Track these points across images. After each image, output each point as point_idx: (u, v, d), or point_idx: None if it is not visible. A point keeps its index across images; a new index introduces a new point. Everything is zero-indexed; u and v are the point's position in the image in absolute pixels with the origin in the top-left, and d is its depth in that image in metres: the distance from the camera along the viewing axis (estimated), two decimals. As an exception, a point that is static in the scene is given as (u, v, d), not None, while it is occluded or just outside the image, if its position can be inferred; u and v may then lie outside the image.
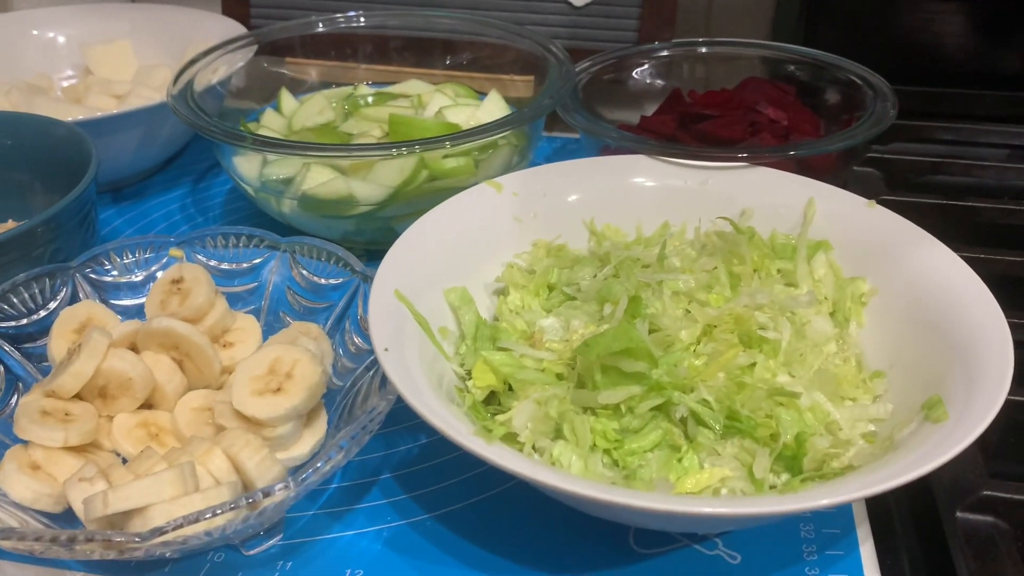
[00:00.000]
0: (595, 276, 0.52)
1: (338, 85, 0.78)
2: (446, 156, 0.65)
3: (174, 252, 0.54)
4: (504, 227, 0.54)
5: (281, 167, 0.63)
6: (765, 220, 0.55)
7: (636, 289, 0.48)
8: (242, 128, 0.68)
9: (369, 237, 0.64)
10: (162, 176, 0.77)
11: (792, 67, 0.73)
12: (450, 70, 0.80)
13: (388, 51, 0.79)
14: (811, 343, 0.47)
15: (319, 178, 0.60)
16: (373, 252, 0.65)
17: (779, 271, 0.51)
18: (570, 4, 0.77)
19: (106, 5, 0.87)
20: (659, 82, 0.76)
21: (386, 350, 0.42)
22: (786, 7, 0.93)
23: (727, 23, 0.99)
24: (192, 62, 0.68)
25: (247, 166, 0.63)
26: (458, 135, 0.58)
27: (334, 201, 0.61)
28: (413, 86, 0.77)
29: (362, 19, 0.77)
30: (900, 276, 0.49)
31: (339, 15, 0.76)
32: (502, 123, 0.59)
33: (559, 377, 0.46)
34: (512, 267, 0.53)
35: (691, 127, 0.67)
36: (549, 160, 0.66)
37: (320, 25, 0.77)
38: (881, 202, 0.52)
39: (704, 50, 0.75)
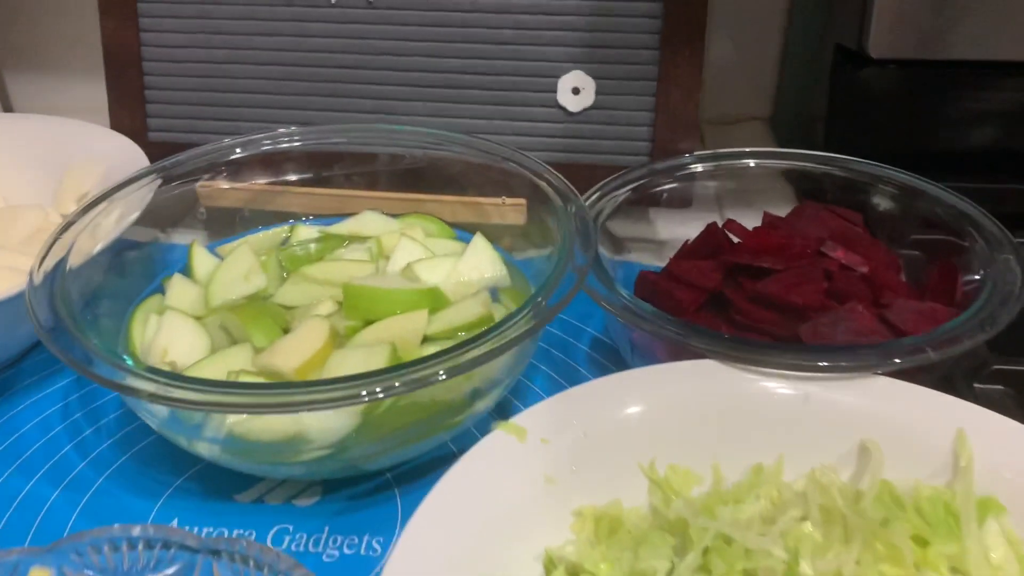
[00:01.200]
0: (672, 572, 0.35)
1: (266, 226, 0.60)
2: (425, 341, 0.49)
3: (37, 574, 0.36)
4: (534, 497, 0.37)
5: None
6: (895, 457, 0.39)
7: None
8: (130, 350, 0.49)
9: (327, 476, 0.46)
10: (37, 359, 0.57)
11: (851, 186, 0.58)
12: (414, 192, 0.62)
13: (333, 172, 0.62)
14: None
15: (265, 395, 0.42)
16: (332, 483, 0.48)
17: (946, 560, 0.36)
18: (565, 110, 0.61)
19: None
20: (677, 210, 0.60)
21: None
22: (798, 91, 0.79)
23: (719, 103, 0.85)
24: (67, 226, 0.49)
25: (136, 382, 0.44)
26: (458, 359, 0.40)
27: (275, 445, 0.43)
28: (369, 222, 0.59)
29: (296, 139, 0.59)
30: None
31: (265, 136, 0.58)
32: (516, 335, 0.41)
33: None
34: (554, 563, 0.36)
35: (743, 283, 0.51)
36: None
37: (241, 149, 0.58)
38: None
39: (741, 163, 0.59)
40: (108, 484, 0.48)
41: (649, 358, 0.49)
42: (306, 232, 0.59)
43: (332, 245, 0.57)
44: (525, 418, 0.38)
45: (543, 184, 0.53)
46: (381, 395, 0.38)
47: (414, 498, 0.47)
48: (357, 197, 0.62)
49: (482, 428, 0.51)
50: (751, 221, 0.58)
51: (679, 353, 0.45)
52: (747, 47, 0.83)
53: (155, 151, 0.61)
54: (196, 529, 0.46)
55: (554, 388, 0.55)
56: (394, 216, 0.60)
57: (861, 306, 0.47)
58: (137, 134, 0.65)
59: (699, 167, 0.59)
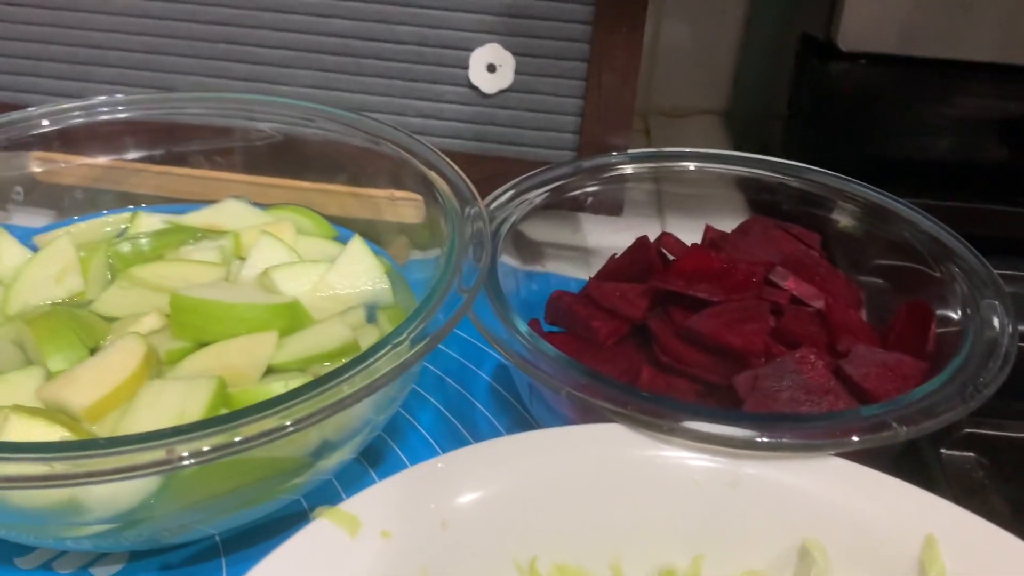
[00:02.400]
0: None
1: (108, 211, 0.49)
2: (271, 371, 0.39)
3: None
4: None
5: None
6: (846, 564, 0.30)
7: None
8: None
9: (121, 549, 0.36)
10: None
11: (810, 199, 0.49)
12: (293, 178, 0.52)
13: (193, 149, 0.51)
14: None
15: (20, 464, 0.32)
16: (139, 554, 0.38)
17: None
18: (478, 90, 0.50)
19: None
20: (605, 216, 0.51)
21: None
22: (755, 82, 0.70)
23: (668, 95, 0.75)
24: None
25: None
26: (303, 410, 0.29)
27: (39, 514, 0.32)
28: (230, 212, 0.49)
29: (148, 107, 0.48)
30: None
31: (113, 100, 0.47)
32: (375, 378, 0.31)
33: None
34: None
35: (673, 315, 0.42)
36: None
37: (83, 114, 0.47)
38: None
39: (679, 165, 0.50)
40: None
41: (551, 408, 0.39)
42: (149, 221, 0.48)
43: (177, 239, 0.46)
44: (359, 503, 0.28)
45: (436, 177, 0.43)
46: (184, 462, 0.27)
47: (245, 568, 0.38)
48: (223, 180, 0.52)
49: (348, 480, 0.41)
50: (693, 234, 0.49)
51: (587, 408, 0.36)
52: (703, 31, 0.74)
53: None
54: (-46, 606, 0.36)
55: (443, 428, 0.45)
56: (265, 207, 0.50)
57: (814, 355, 0.38)
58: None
59: (633, 168, 0.50)
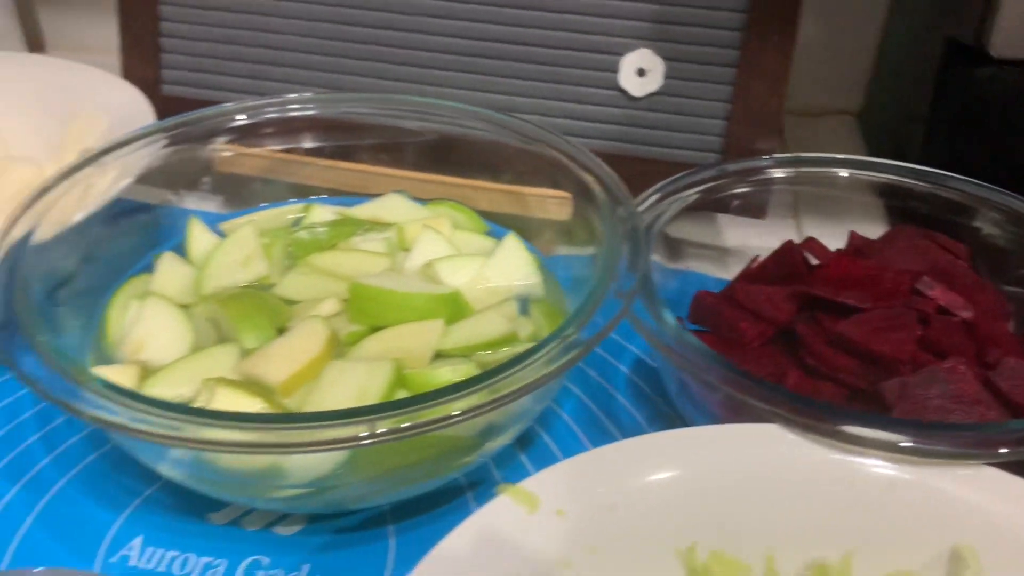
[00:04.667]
0: None
1: (281, 202, 0.53)
2: (438, 356, 0.42)
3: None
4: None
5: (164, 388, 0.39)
6: (995, 571, 0.31)
7: None
8: (103, 342, 0.43)
9: (307, 512, 0.40)
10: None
11: (956, 209, 0.49)
12: (448, 175, 0.55)
13: (360, 144, 0.54)
14: None
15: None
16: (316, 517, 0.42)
17: None
18: (626, 93, 0.53)
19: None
20: (745, 218, 0.52)
21: None
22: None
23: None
24: (45, 189, 0.43)
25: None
26: (469, 398, 0.32)
27: (245, 477, 0.36)
28: (393, 206, 0.52)
29: (319, 105, 0.52)
30: None
31: (292, 97, 0.51)
32: (542, 374, 0.34)
33: None
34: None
35: (821, 320, 0.43)
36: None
37: (262, 111, 0.51)
38: None
39: (828, 171, 0.51)
40: (70, 488, 0.43)
41: (699, 404, 0.41)
42: (322, 213, 0.52)
43: (348, 231, 0.50)
44: (537, 482, 0.31)
45: (590, 179, 0.45)
46: (366, 442, 0.31)
47: (410, 538, 0.41)
48: (384, 175, 0.55)
49: (501, 462, 0.44)
50: (833, 240, 0.50)
51: (737, 406, 0.38)
52: (841, 31, 0.73)
53: (169, 106, 0.55)
54: (161, 552, 0.40)
55: (586, 416, 0.48)
56: (423, 201, 0.53)
57: (963, 364, 0.39)
58: (150, 85, 0.58)
59: (778, 172, 0.51)
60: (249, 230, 0.48)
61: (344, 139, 0.53)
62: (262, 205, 0.53)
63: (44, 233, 0.41)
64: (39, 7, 0.84)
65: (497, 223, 0.53)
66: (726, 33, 0.50)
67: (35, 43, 0.84)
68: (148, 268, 0.48)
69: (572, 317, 0.37)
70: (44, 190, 0.43)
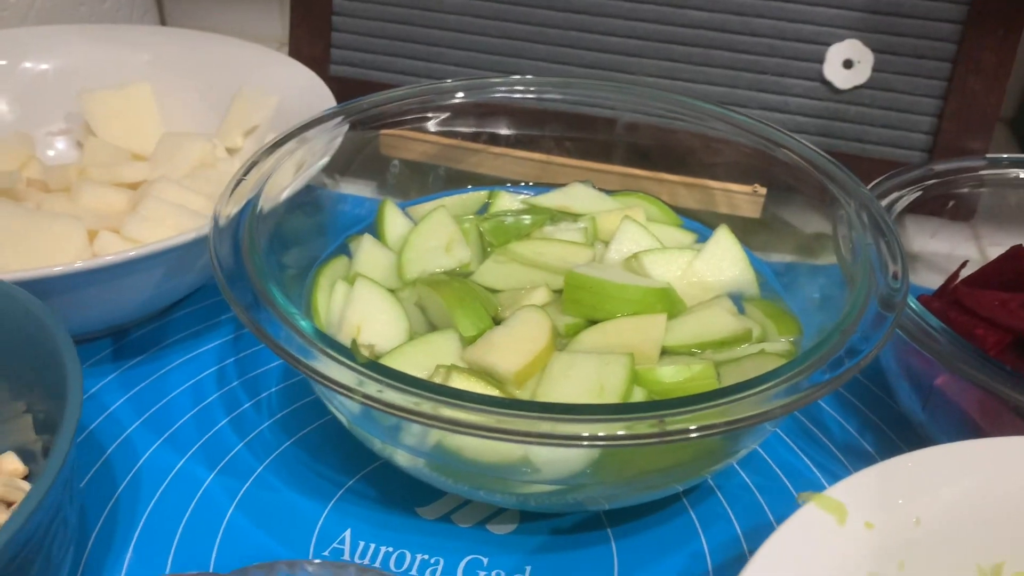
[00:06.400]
0: None
1: (458, 189, 0.51)
2: (666, 353, 0.39)
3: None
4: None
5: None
6: None
7: None
8: (315, 320, 0.41)
9: (540, 509, 0.38)
10: (189, 311, 0.50)
11: None
12: (627, 166, 0.53)
13: (538, 133, 0.52)
14: None
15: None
16: (530, 515, 0.39)
17: None
18: (830, 85, 0.50)
19: (119, 28, 0.60)
20: (948, 221, 0.49)
21: None
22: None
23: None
24: (252, 165, 0.41)
25: (339, 373, 0.36)
26: (768, 404, 0.30)
27: (492, 468, 0.34)
28: (579, 195, 0.50)
29: (515, 89, 0.49)
30: None
31: (476, 81, 0.49)
32: (820, 383, 0.31)
33: None
34: None
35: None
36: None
37: (460, 94, 0.49)
38: None
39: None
40: (269, 474, 0.41)
41: (950, 412, 0.39)
42: (508, 201, 0.50)
43: (538, 221, 0.48)
44: (843, 491, 0.29)
45: (819, 175, 0.43)
46: (672, 437, 0.28)
47: (631, 544, 0.39)
48: (560, 165, 0.53)
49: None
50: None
51: (996, 413, 0.35)
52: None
53: (334, 87, 0.53)
54: (374, 547, 0.38)
55: (792, 424, 0.45)
56: (610, 192, 0.51)
57: None
58: (317, 65, 0.57)
59: (990, 173, 0.48)
60: (444, 213, 0.46)
61: (524, 126, 0.51)
62: (442, 192, 0.51)
63: (263, 207, 0.40)
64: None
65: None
66: (945, 25, 0.48)
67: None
68: (340, 250, 0.46)
69: (837, 326, 0.34)
70: (248, 168, 0.42)
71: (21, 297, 0.34)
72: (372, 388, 0.30)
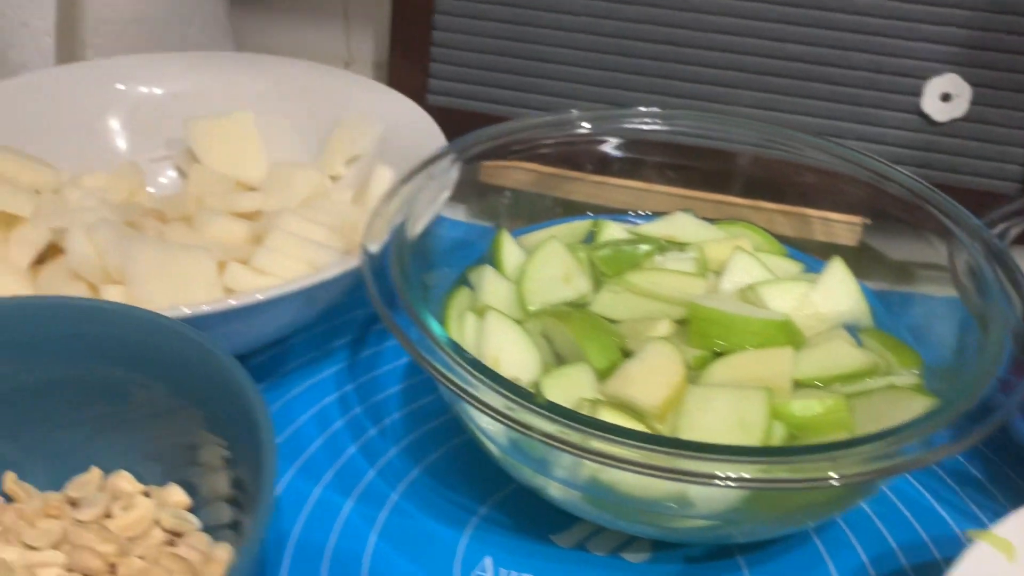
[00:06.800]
0: None
1: (562, 219, 0.52)
2: (798, 384, 0.41)
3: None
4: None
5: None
6: None
7: None
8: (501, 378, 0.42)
9: (681, 541, 0.39)
10: (303, 338, 0.51)
11: None
12: (727, 194, 0.54)
13: (639, 161, 0.54)
14: None
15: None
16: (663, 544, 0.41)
17: None
18: (927, 118, 0.51)
19: (220, 56, 0.61)
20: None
21: None
22: None
23: None
24: (390, 196, 0.43)
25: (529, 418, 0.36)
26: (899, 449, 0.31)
27: (647, 503, 0.35)
28: (684, 224, 0.51)
29: (645, 122, 0.50)
30: None
31: (587, 116, 0.50)
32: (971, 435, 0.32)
33: None
34: None
35: None
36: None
37: (579, 124, 0.50)
38: None
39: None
40: (404, 502, 0.42)
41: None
42: (614, 230, 0.51)
43: (648, 251, 0.49)
44: (1010, 529, 0.30)
45: (929, 208, 0.44)
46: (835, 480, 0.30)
47: (762, 571, 0.40)
48: (657, 193, 0.54)
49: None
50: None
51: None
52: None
53: (432, 117, 0.55)
54: (515, 575, 0.39)
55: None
56: (713, 221, 0.52)
57: None
58: (416, 94, 0.58)
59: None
60: (558, 244, 0.47)
61: (629, 154, 0.53)
62: (552, 221, 0.52)
63: (410, 233, 0.41)
64: (232, 8, 0.85)
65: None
66: (1044, 60, 0.49)
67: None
68: (460, 280, 0.47)
69: (985, 363, 0.35)
70: (387, 200, 0.43)
71: (207, 343, 0.34)
72: (553, 428, 0.31)
